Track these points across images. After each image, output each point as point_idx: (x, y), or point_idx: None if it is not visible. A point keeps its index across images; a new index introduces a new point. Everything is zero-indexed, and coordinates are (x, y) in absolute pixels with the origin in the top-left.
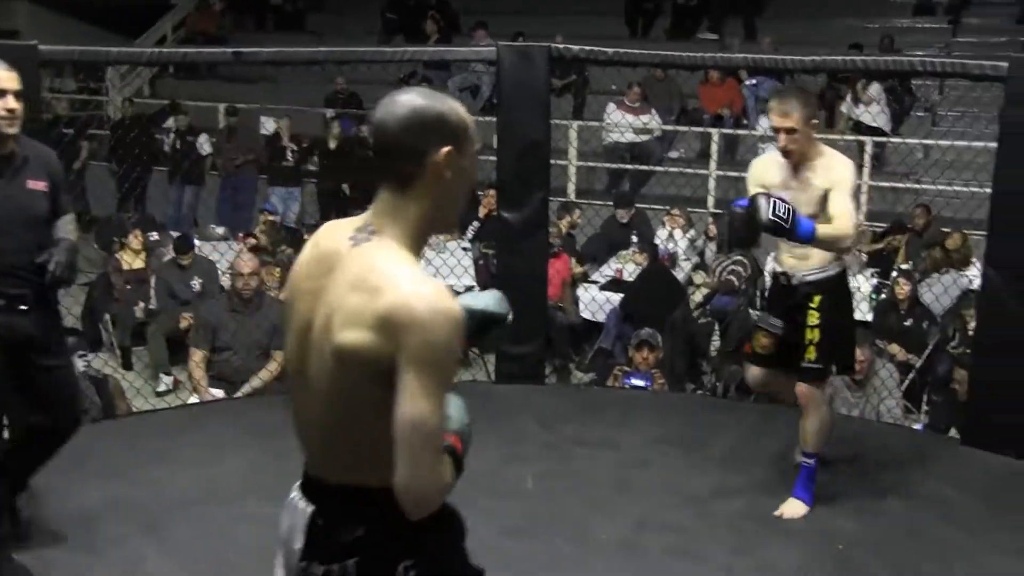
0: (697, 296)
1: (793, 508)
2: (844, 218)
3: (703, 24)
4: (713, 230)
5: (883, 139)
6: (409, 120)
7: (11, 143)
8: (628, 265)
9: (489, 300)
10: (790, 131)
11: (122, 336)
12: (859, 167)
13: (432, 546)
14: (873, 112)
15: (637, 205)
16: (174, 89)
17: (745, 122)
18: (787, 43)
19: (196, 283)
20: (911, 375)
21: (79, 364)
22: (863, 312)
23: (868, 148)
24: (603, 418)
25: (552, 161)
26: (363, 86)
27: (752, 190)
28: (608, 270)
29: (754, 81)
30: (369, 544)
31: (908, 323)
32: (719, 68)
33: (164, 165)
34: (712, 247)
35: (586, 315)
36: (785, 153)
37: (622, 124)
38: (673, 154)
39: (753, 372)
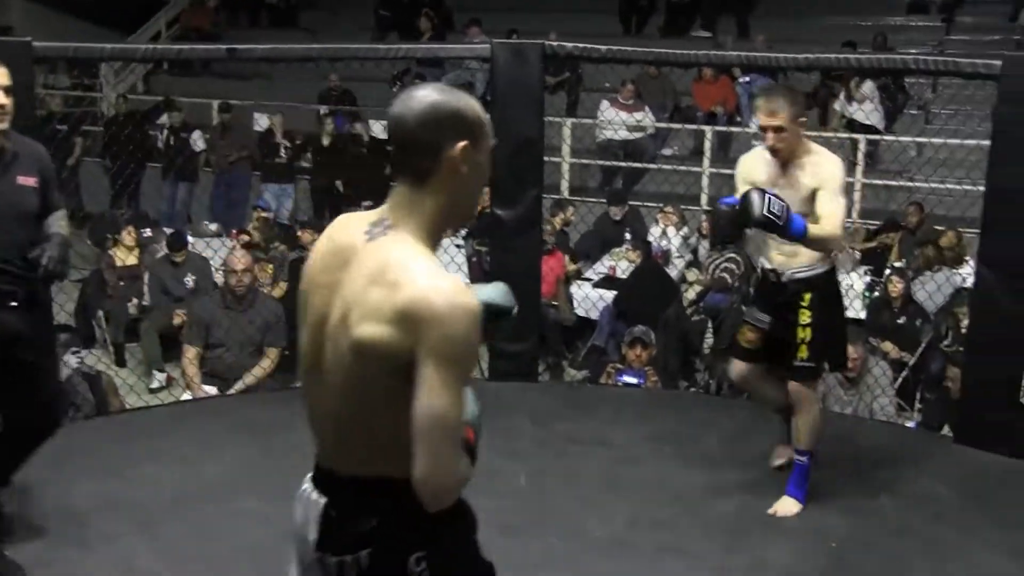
0: (690, 293)
1: (786, 506)
2: (832, 218)
3: (696, 22)
4: (706, 227)
5: (876, 137)
6: (426, 115)
7: (1, 139)
8: (621, 262)
9: (496, 293)
10: (778, 129)
11: (115, 333)
12: (852, 165)
13: (444, 538)
14: (866, 110)
15: (630, 202)
16: (168, 85)
17: (738, 120)
18: (780, 41)
19: (189, 280)
20: (904, 373)
21: (72, 361)
22: (856, 310)
23: (861, 146)
24: (596, 415)
25: (546, 158)
26: (357, 83)
27: (740, 187)
28: (601, 267)
29: (747, 79)
30: (382, 535)
31: (901, 321)
32: (713, 66)
33: (158, 161)
34: (705, 244)
35: (579, 312)
36: (773, 151)
37: (616, 121)
38: (667, 151)
39: (737, 367)
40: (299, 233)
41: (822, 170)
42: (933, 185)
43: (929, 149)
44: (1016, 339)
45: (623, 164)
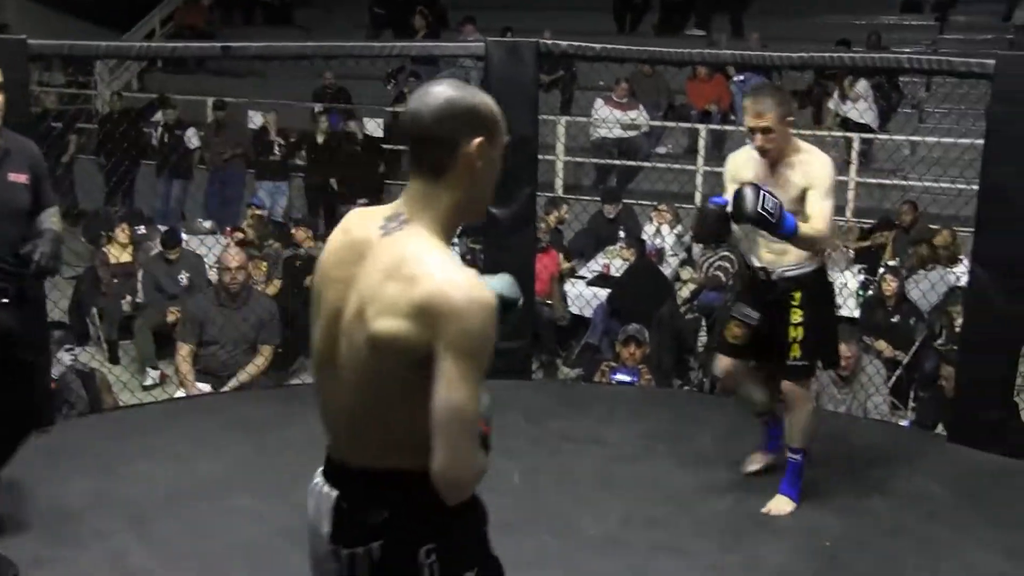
0: (684, 292)
1: (780, 505)
2: (821, 218)
3: (691, 20)
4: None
5: (870, 136)
6: (443, 111)
7: None
8: (615, 260)
9: (503, 284)
10: (766, 131)
11: (109, 330)
12: (846, 163)
13: (454, 531)
14: (860, 109)
15: (624, 201)
16: (162, 83)
17: (733, 118)
18: (774, 39)
19: (183, 277)
20: (898, 372)
21: (66, 358)
22: (850, 308)
23: (855, 145)
24: (590, 414)
25: (540, 156)
26: (351, 81)
27: (729, 186)
28: (595, 265)
29: (742, 77)
30: (393, 527)
31: (895, 319)
32: (707, 64)
33: (152, 159)
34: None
35: (573, 310)
36: (762, 152)
37: (610, 120)
38: (661, 150)
39: (722, 362)
40: (293, 231)
41: (812, 169)
42: (927, 184)
43: (923, 148)
44: (1010, 338)
45: (617, 162)
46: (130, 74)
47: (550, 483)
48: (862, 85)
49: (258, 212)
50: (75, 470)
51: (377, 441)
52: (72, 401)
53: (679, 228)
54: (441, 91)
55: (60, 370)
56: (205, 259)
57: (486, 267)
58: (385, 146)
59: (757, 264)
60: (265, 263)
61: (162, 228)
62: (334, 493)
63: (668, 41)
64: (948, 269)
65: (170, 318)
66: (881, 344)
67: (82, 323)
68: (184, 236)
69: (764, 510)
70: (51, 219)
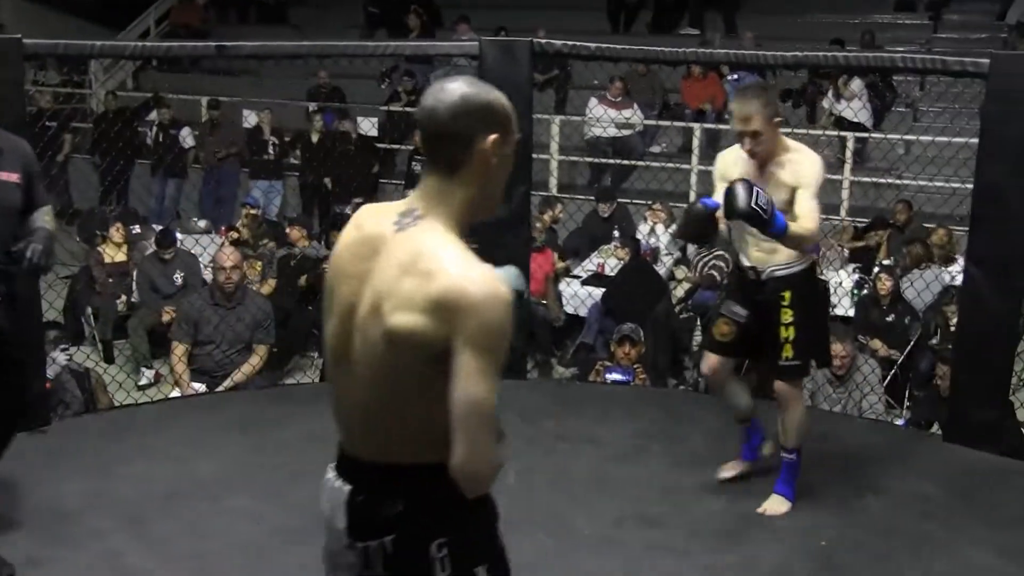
0: (679, 291)
1: (775, 504)
2: (809, 218)
3: (684, 19)
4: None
5: (864, 135)
6: (459, 107)
7: None
8: (610, 260)
9: (510, 276)
10: (754, 135)
11: (104, 330)
12: (841, 162)
13: (466, 526)
14: (855, 108)
15: (619, 200)
16: (157, 82)
17: (727, 117)
18: (768, 38)
19: (178, 277)
20: (893, 371)
21: (61, 358)
22: (845, 308)
23: (849, 144)
24: (585, 413)
25: (534, 155)
26: (345, 80)
27: (718, 185)
28: (590, 265)
29: (736, 76)
30: (406, 521)
31: (890, 319)
32: (701, 63)
33: (147, 158)
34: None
35: (568, 310)
36: (751, 154)
37: (604, 119)
38: (655, 149)
39: (709, 360)
40: (288, 230)
41: (801, 169)
42: (921, 183)
43: (917, 147)
44: (1005, 337)
45: (612, 161)
46: (125, 73)
47: (545, 483)
48: (856, 84)
49: (252, 211)
50: (70, 470)
51: (391, 436)
52: (67, 401)
53: (673, 227)
54: (456, 87)
55: (55, 370)
56: (200, 259)
57: None
58: (379, 145)
59: (746, 263)
60: (260, 263)
61: (157, 227)
62: (347, 487)
63: (662, 40)
64: (943, 268)
65: (165, 318)
66: (876, 343)
67: (77, 323)
68: (179, 235)
69: (760, 510)
70: (44, 218)
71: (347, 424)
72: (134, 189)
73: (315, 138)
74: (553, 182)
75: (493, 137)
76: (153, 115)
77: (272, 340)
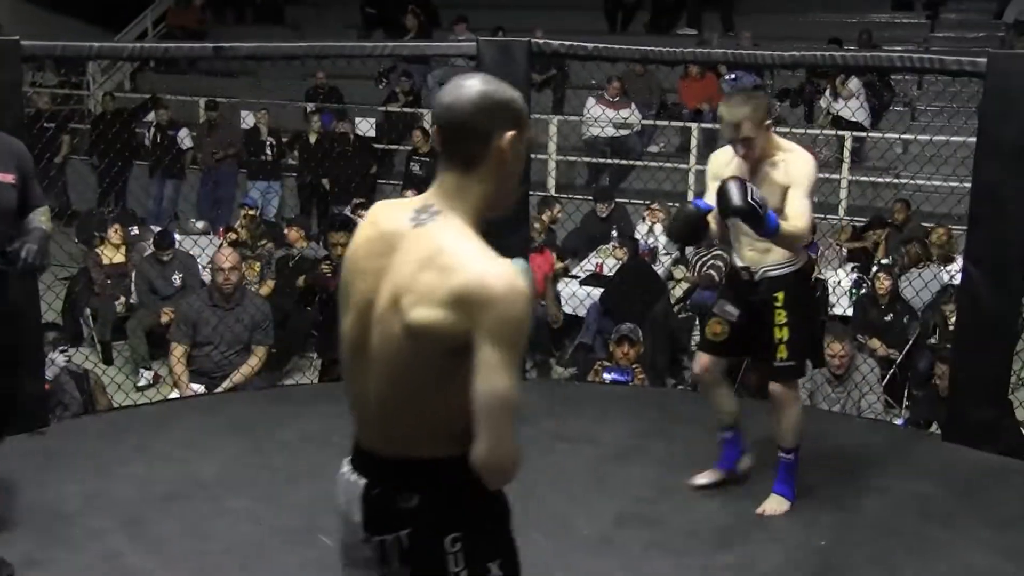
0: (677, 291)
1: (775, 504)
2: (800, 217)
3: (682, 19)
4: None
5: (862, 134)
6: (479, 104)
7: None
8: (608, 260)
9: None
10: (745, 140)
11: (102, 331)
12: (839, 162)
13: (480, 521)
14: (852, 107)
15: (617, 200)
16: (155, 83)
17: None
18: (766, 37)
19: (176, 278)
20: (892, 370)
21: (60, 359)
22: (843, 307)
23: (847, 143)
24: (583, 413)
25: (532, 155)
26: (343, 80)
27: (711, 185)
28: (588, 265)
29: (733, 76)
30: (421, 515)
31: (889, 318)
32: (699, 63)
33: (145, 159)
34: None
35: (567, 310)
36: (744, 157)
37: (602, 119)
38: (653, 148)
39: (701, 360)
40: (286, 231)
41: (794, 168)
42: (919, 182)
43: (915, 146)
44: (1003, 336)
45: (610, 161)
46: (122, 74)
47: (544, 483)
48: (854, 83)
49: (251, 212)
50: (69, 471)
51: (408, 430)
52: (66, 402)
53: None
54: (474, 84)
55: (54, 371)
56: (198, 260)
57: None
58: (377, 146)
59: (740, 264)
60: (258, 263)
61: (155, 229)
62: (362, 481)
63: (659, 40)
64: (942, 268)
65: (163, 319)
66: (875, 343)
67: (76, 324)
68: (177, 237)
69: (759, 511)
70: (40, 218)
71: (363, 418)
72: (132, 190)
73: (313, 139)
74: (551, 182)
75: (511, 133)
76: (151, 116)
77: (271, 341)
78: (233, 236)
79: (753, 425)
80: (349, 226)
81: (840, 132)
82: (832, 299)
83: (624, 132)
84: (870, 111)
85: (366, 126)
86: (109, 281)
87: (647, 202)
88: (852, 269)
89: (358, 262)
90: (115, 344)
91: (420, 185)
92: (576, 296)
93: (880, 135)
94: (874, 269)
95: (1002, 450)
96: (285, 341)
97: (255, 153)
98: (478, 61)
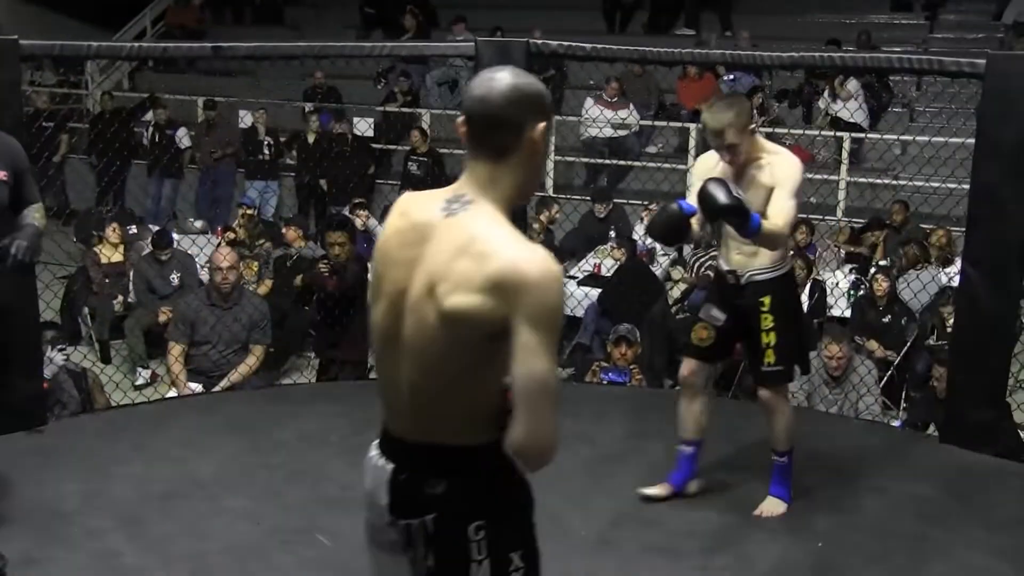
0: (675, 292)
1: (771, 506)
2: (781, 215)
3: (680, 19)
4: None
5: (861, 135)
6: (512, 95)
7: None
8: (606, 260)
9: None
10: (730, 147)
11: (101, 329)
12: (837, 163)
13: (504, 510)
14: (851, 108)
15: (615, 200)
16: (153, 82)
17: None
18: (764, 38)
19: (174, 277)
20: (889, 372)
21: (58, 358)
22: (841, 308)
23: (846, 144)
24: (580, 413)
25: None
26: (342, 80)
27: (695, 186)
28: (586, 265)
29: (732, 76)
30: (447, 502)
31: (887, 320)
32: (697, 64)
33: (143, 159)
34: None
35: (564, 310)
36: (730, 162)
37: (600, 119)
38: (651, 149)
39: (687, 365)
40: (284, 230)
41: (779, 170)
42: (918, 183)
43: (914, 147)
44: (1001, 338)
45: (608, 162)
46: (121, 74)
47: (541, 483)
48: (852, 84)
49: (249, 212)
50: (67, 470)
51: (437, 417)
52: (64, 401)
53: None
54: (505, 77)
55: (52, 370)
56: (196, 259)
57: None
58: (375, 146)
59: (725, 267)
60: (256, 263)
61: (153, 228)
62: (390, 466)
63: (658, 40)
64: (940, 269)
65: (161, 318)
66: (872, 344)
67: (74, 323)
68: (175, 236)
69: (756, 512)
70: (34, 215)
71: (393, 405)
72: (130, 189)
73: (311, 138)
74: (549, 183)
75: (543, 124)
76: (149, 115)
77: (268, 340)
78: (231, 235)
79: (750, 427)
80: (347, 226)
81: (839, 133)
82: (830, 300)
83: (622, 132)
84: (869, 112)
85: (364, 126)
86: (107, 280)
87: (645, 203)
88: (850, 270)
89: (390, 253)
90: (113, 343)
91: (418, 185)
92: (574, 297)
93: (879, 136)
94: (872, 270)
95: (999, 452)
96: (283, 340)
97: (253, 153)
98: (476, 61)
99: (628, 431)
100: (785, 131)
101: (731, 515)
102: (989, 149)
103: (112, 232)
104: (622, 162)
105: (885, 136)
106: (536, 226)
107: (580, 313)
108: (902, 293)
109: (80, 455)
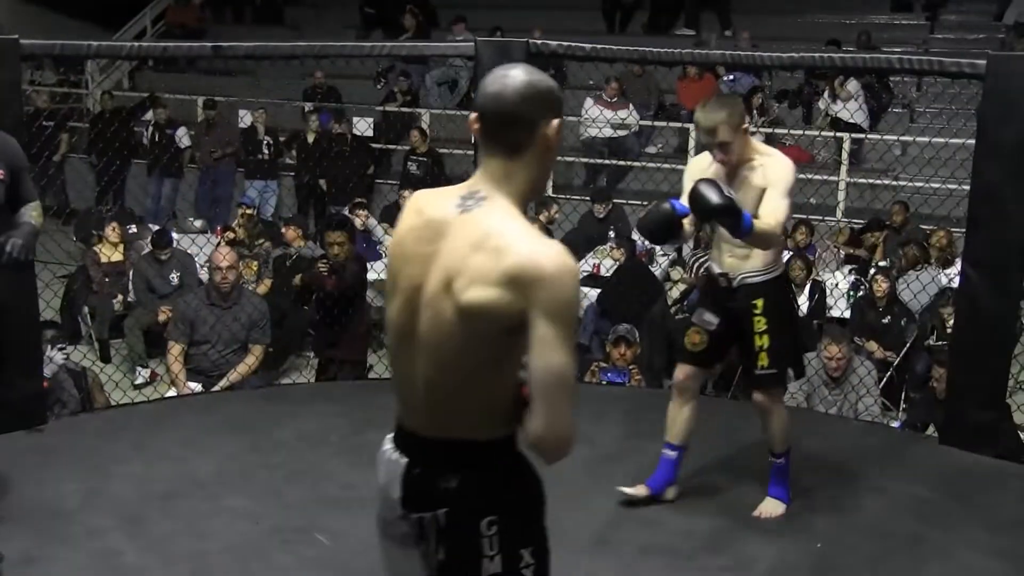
0: (674, 292)
1: (770, 507)
2: (771, 216)
3: (680, 20)
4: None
5: (861, 135)
6: (526, 92)
7: None
8: (605, 260)
9: None
10: (722, 146)
11: (100, 329)
12: (837, 163)
13: (516, 506)
14: (851, 108)
15: (614, 200)
16: (153, 82)
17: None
18: (764, 38)
19: (174, 276)
20: (889, 373)
21: (58, 357)
22: (841, 309)
23: (846, 144)
24: (579, 414)
25: None
26: (341, 80)
27: (687, 187)
28: (585, 265)
29: (732, 77)
30: (459, 496)
31: (886, 320)
32: (697, 64)
33: (143, 158)
34: (689, 243)
35: None
36: (722, 162)
37: (600, 119)
38: (651, 149)
39: (681, 370)
40: (283, 230)
41: (771, 171)
42: (918, 184)
43: (914, 148)
44: (1001, 339)
45: (607, 162)
46: (121, 73)
47: None
48: (853, 85)
49: (248, 211)
50: (67, 469)
51: (452, 411)
52: (64, 400)
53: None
54: (520, 74)
55: (52, 369)
56: (196, 258)
57: None
58: (375, 146)
59: (718, 270)
60: (256, 262)
61: (153, 227)
62: (404, 460)
63: (657, 40)
64: (940, 270)
65: (161, 317)
66: (872, 345)
67: (74, 322)
68: (175, 235)
69: (755, 513)
70: (31, 213)
71: (408, 400)
72: (130, 189)
73: (311, 138)
74: (548, 183)
75: (556, 121)
76: (149, 115)
77: (268, 340)
78: (231, 235)
79: (749, 428)
80: (346, 225)
81: (839, 134)
82: (830, 301)
83: (622, 133)
84: (869, 113)
85: (364, 126)
86: (107, 279)
87: (645, 203)
88: (850, 271)
89: (405, 249)
90: (113, 342)
91: (417, 185)
92: None
93: (879, 137)
94: (872, 271)
95: (999, 453)
96: (282, 340)
97: (253, 152)
98: (476, 61)
99: (627, 431)
100: (785, 131)
101: (730, 515)
102: (989, 150)
103: (112, 231)
104: (622, 162)
105: (885, 137)
106: (535, 226)
107: (579, 313)
108: (902, 294)
109: (80, 454)
